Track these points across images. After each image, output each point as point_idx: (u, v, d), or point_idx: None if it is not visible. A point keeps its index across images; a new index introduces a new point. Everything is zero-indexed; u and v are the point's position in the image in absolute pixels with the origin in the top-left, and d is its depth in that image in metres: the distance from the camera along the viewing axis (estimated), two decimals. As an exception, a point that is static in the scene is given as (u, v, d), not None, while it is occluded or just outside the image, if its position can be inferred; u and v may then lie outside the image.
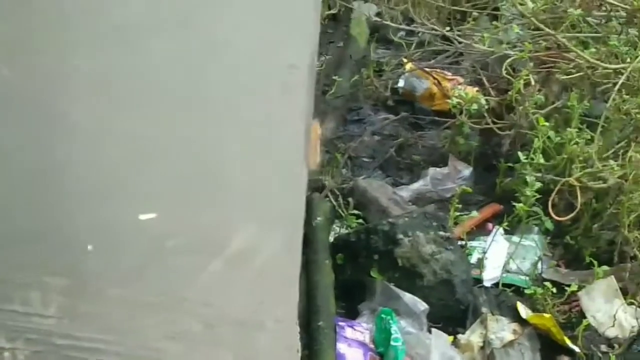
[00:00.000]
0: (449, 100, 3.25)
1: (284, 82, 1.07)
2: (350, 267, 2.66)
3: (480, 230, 3.02)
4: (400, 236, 2.60)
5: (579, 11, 2.94)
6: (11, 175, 1.08)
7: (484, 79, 3.39)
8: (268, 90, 1.07)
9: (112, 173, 1.09)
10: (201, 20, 1.05)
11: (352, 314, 2.56)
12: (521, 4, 2.97)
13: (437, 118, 3.53)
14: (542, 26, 3.01)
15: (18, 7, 1.02)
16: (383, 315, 2.44)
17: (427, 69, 3.66)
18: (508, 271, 2.77)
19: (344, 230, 2.90)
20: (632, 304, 2.62)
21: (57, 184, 1.09)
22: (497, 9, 3.61)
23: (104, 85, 1.06)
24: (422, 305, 2.50)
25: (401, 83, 3.74)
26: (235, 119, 1.10)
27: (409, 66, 3.71)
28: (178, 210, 1.11)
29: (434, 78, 3.65)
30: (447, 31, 3.37)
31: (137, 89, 1.07)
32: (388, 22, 3.49)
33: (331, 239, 2.81)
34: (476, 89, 3.45)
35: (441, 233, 2.67)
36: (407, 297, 2.51)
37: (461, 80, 3.65)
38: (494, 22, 3.33)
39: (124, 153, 1.09)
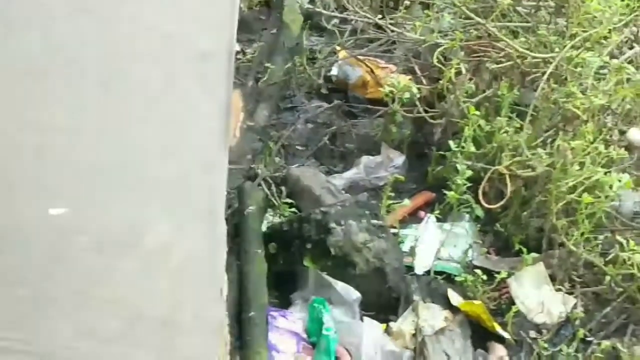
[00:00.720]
0: (381, 89, 3.25)
1: (201, 70, 1.04)
2: (283, 256, 2.65)
3: (412, 218, 3.04)
4: (333, 225, 2.60)
5: (508, 1, 2.97)
6: None
7: (416, 68, 3.40)
8: (184, 78, 1.04)
9: (18, 165, 1.04)
10: (113, 10, 1.01)
11: (285, 304, 2.55)
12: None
13: (370, 106, 3.52)
14: (472, 15, 3.03)
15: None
16: (315, 305, 2.44)
17: (360, 57, 3.65)
18: (440, 259, 2.80)
19: (277, 219, 2.88)
20: (559, 290, 2.67)
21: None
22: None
23: (11, 71, 1.01)
24: (355, 294, 2.50)
25: (334, 71, 3.73)
26: (150, 110, 1.06)
27: (342, 54, 3.70)
28: (89, 205, 1.07)
29: (367, 66, 3.65)
30: (380, 19, 3.37)
31: (45, 76, 1.02)
32: (321, 10, 3.47)
33: (264, 228, 2.80)
34: (409, 77, 3.45)
35: (374, 221, 2.68)
36: (340, 285, 2.51)
37: (394, 68, 3.65)
38: (426, 11, 3.34)
39: (32, 144, 1.04)
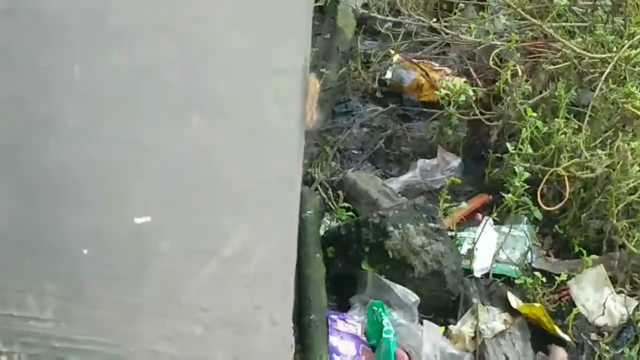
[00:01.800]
0: (436, 92, 3.25)
1: (277, 86, 1.07)
2: (341, 260, 2.67)
3: (469, 220, 3.03)
4: (391, 228, 2.61)
5: (565, 1, 2.95)
6: (2, 181, 1.08)
7: (472, 70, 3.39)
8: (261, 94, 1.07)
9: (106, 176, 1.09)
10: (190, 24, 1.05)
11: (343, 307, 2.58)
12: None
13: (425, 109, 3.53)
14: (528, 17, 3.02)
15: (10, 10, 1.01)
16: (375, 308, 2.46)
17: (414, 60, 3.65)
18: (498, 261, 2.79)
19: (334, 223, 2.91)
20: (621, 292, 2.64)
21: (50, 188, 1.08)
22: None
23: (97, 88, 1.05)
24: (413, 297, 2.51)
25: (389, 74, 3.74)
26: (230, 126, 1.10)
27: (396, 58, 3.71)
28: (172, 214, 1.11)
29: (422, 69, 3.66)
30: (434, 22, 3.37)
31: (129, 93, 1.07)
32: (375, 14, 3.48)
33: (322, 232, 2.82)
34: (464, 79, 3.45)
35: (431, 224, 2.68)
36: (399, 289, 2.53)
37: (449, 71, 3.65)
38: (481, 13, 3.33)
39: (118, 157, 1.09)
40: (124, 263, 1.11)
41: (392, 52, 3.71)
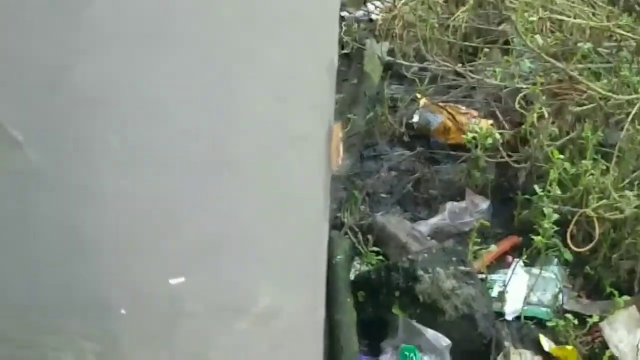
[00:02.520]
0: (464, 135, 3.28)
1: (302, 150, 1.11)
2: (372, 304, 2.68)
3: (499, 263, 3.03)
4: (421, 272, 2.62)
5: (588, 44, 2.98)
6: (44, 242, 1.12)
7: (498, 112, 3.42)
8: (290, 157, 1.12)
9: (141, 236, 1.13)
10: (223, 96, 1.09)
11: (375, 352, 2.58)
12: (531, 40, 3.01)
13: (452, 152, 3.55)
14: (552, 61, 3.05)
15: (54, 88, 1.07)
16: (406, 352, 2.46)
17: (441, 104, 3.69)
18: (529, 303, 2.78)
19: (364, 267, 2.92)
20: (654, 333, 2.62)
21: (88, 248, 1.13)
22: (507, 42, 3.65)
23: (128, 157, 1.10)
24: (445, 341, 2.51)
25: (416, 118, 3.78)
26: (258, 185, 1.14)
27: (423, 101, 3.75)
28: (204, 272, 1.15)
29: (448, 112, 3.69)
30: (459, 67, 3.41)
31: (159, 159, 1.11)
32: (400, 61, 3.53)
33: (352, 276, 2.84)
34: (490, 121, 3.48)
35: (461, 268, 2.69)
36: (430, 333, 2.53)
37: (475, 113, 3.68)
38: (505, 57, 3.36)
39: (149, 219, 1.13)
40: (158, 322, 1.14)
41: (419, 96, 3.75)
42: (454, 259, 2.72)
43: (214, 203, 1.14)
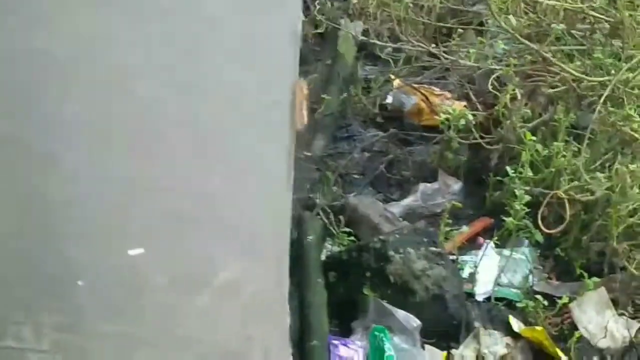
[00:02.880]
0: (437, 117, 3.27)
1: (269, 118, 1.10)
2: (343, 285, 2.68)
3: (471, 244, 3.04)
4: (392, 253, 2.62)
5: (562, 26, 2.97)
6: (2, 213, 1.10)
7: (471, 94, 3.41)
8: (254, 127, 1.10)
9: (100, 210, 1.11)
10: (187, 64, 1.07)
11: (345, 332, 2.58)
12: (505, 21, 3.00)
13: (425, 134, 3.55)
14: (526, 42, 3.04)
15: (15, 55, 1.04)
16: (376, 333, 2.46)
17: (414, 85, 3.68)
18: (500, 285, 2.80)
19: (335, 248, 2.91)
20: (622, 314, 2.64)
21: (44, 222, 1.11)
22: (481, 24, 3.64)
23: (92, 127, 1.08)
24: (415, 322, 2.51)
25: (389, 99, 3.76)
26: (222, 157, 1.12)
27: (396, 83, 3.73)
28: (166, 246, 1.13)
29: (422, 94, 3.68)
30: (433, 48, 3.39)
31: (124, 130, 1.10)
32: (374, 41, 3.51)
33: (323, 257, 2.83)
34: (464, 103, 3.47)
35: (432, 249, 2.69)
36: (400, 313, 2.53)
37: (449, 95, 3.67)
38: (479, 38, 3.35)
39: (111, 191, 1.11)
40: (119, 295, 1.12)
41: (393, 77, 3.73)
42: (425, 239, 2.72)
43: (176, 174, 1.12)
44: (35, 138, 1.09)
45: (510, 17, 3.02)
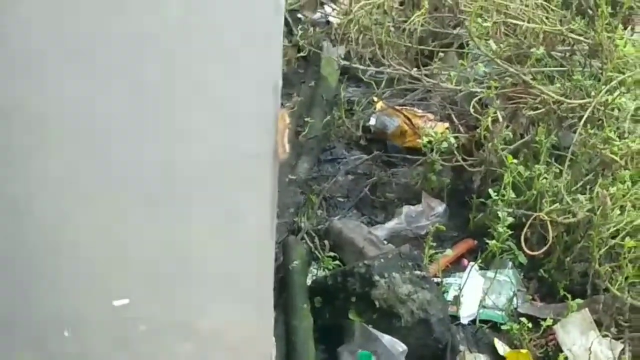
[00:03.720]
0: (419, 140, 3.29)
1: (251, 168, 1.11)
2: (329, 310, 2.69)
3: (455, 266, 3.06)
4: (377, 278, 2.64)
5: (542, 50, 3.01)
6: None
7: (453, 116, 3.44)
8: (236, 176, 1.11)
9: (83, 261, 1.12)
10: (166, 114, 1.08)
11: (331, 358, 2.58)
12: (485, 45, 3.03)
13: (409, 156, 3.57)
14: (506, 66, 3.07)
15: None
16: (362, 358, 2.47)
17: (397, 107, 3.70)
18: (484, 307, 2.81)
19: (321, 273, 2.92)
20: (606, 335, 2.65)
21: (30, 272, 1.11)
22: (462, 45, 3.67)
23: (73, 175, 1.09)
24: (401, 347, 2.52)
25: (372, 121, 3.78)
26: (203, 205, 1.13)
27: (379, 105, 3.76)
28: (149, 295, 1.14)
29: (405, 116, 3.70)
30: (415, 71, 3.42)
31: (107, 183, 1.10)
32: (357, 65, 3.53)
33: (309, 281, 2.84)
34: (446, 125, 3.50)
35: (417, 272, 2.71)
36: (386, 338, 2.54)
37: (431, 116, 3.69)
38: (461, 61, 3.38)
39: (94, 241, 1.12)
40: (104, 344, 1.13)
41: (375, 99, 3.75)
42: (410, 263, 2.73)
43: (158, 224, 1.13)
44: (9, 187, 1.09)
45: (491, 41, 3.05)
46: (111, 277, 1.13)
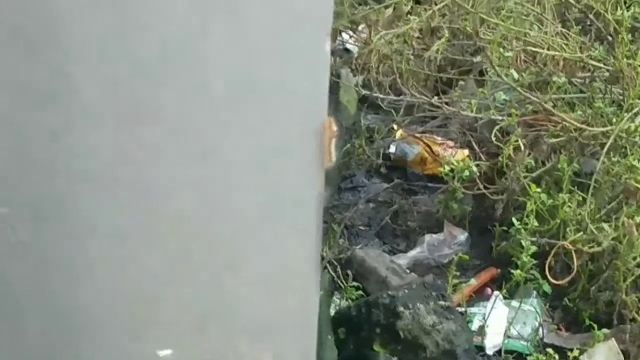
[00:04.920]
0: (440, 169, 3.29)
1: (294, 215, 1.12)
2: (353, 341, 2.67)
3: (479, 295, 3.04)
4: (401, 309, 2.62)
5: (563, 79, 3.00)
6: (27, 317, 1.11)
7: (473, 142, 3.43)
8: (279, 227, 1.12)
9: (127, 311, 1.12)
10: (209, 172, 1.10)
11: (357, 390, 2.57)
12: (506, 74, 3.03)
13: (429, 184, 3.57)
14: (528, 95, 3.07)
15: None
16: (388, 390, 2.46)
17: (417, 135, 3.70)
18: (509, 337, 2.79)
19: (344, 302, 2.91)
20: (634, 366, 2.64)
21: (73, 323, 1.12)
22: (482, 72, 3.68)
23: (119, 232, 1.10)
24: (427, 378, 2.51)
25: (392, 149, 3.79)
26: (247, 256, 1.14)
27: (399, 133, 3.76)
28: (193, 345, 1.14)
29: (425, 143, 3.70)
30: (435, 99, 3.42)
31: (150, 236, 1.11)
32: (377, 94, 3.54)
33: (332, 312, 2.83)
34: (466, 151, 3.50)
35: (441, 303, 2.69)
36: (411, 370, 2.53)
37: (451, 143, 3.69)
38: (480, 89, 3.38)
39: (142, 292, 1.13)
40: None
41: (395, 127, 3.76)
42: (434, 293, 2.72)
43: (202, 278, 1.14)
44: (56, 244, 1.10)
45: (512, 70, 3.05)
46: (157, 325, 1.13)
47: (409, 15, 3.41)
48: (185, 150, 1.08)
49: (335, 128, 1.13)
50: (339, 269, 3.06)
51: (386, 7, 3.47)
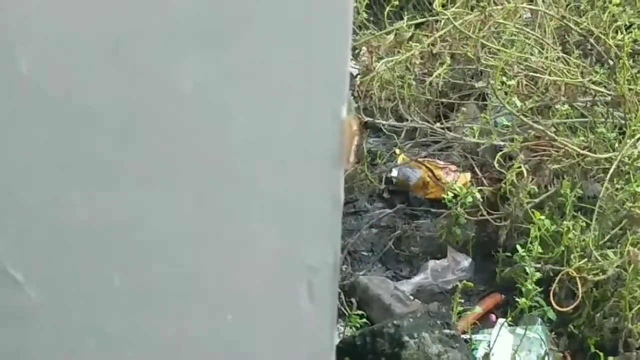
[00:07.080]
0: (443, 195, 3.29)
1: (309, 281, 1.12)
2: (358, 371, 2.67)
3: (483, 322, 3.04)
4: (406, 338, 2.62)
5: (566, 107, 3.01)
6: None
7: (476, 167, 3.44)
8: (294, 291, 1.12)
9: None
10: (226, 233, 1.10)
11: (363, 421, 2.57)
12: (509, 102, 3.04)
13: (432, 209, 3.57)
14: (530, 123, 3.08)
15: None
16: (394, 422, 2.45)
17: (419, 159, 3.71)
18: (515, 365, 2.79)
19: (348, 330, 2.91)
20: (641, 395, 2.63)
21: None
22: (484, 96, 3.69)
23: (133, 294, 1.10)
24: (433, 409, 2.51)
25: (394, 173, 3.79)
26: (262, 319, 1.14)
27: (401, 158, 3.76)
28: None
29: (427, 167, 3.71)
30: (437, 125, 3.43)
31: (166, 298, 1.12)
32: (379, 120, 3.54)
33: (336, 341, 2.82)
34: (469, 175, 3.50)
35: (446, 331, 2.69)
36: (417, 401, 2.52)
37: (453, 167, 3.70)
38: (483, 114, 3.39)
39: (157, 356, 1.13)
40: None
41: (397, 152, 3.76)
42: (438, 322, 2.72)
43: (217, 334, 1.14)
44: (72, 308, 1.11)
45: (515, 99, 3.06)
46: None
47: (409, 42, 3.41)
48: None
49: (355, 127, 1.12)
50: (342, 296, 3.06)
51: (387, 33, 3.47)
